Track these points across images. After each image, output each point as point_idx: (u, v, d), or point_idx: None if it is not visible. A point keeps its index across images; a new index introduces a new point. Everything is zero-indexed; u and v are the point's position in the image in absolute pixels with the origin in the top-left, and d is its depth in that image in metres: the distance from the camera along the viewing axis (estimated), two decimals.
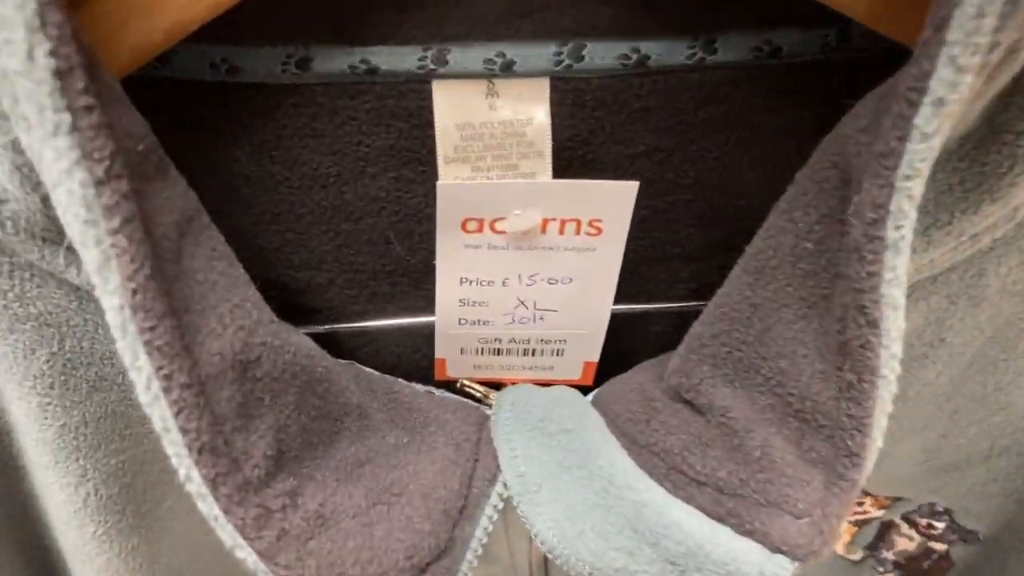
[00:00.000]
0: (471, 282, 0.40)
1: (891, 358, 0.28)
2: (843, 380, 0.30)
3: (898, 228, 0.26)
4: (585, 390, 0.42)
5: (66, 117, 0.23)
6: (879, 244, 0.26)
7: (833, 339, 0.30)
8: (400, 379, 0.41)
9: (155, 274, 0.27)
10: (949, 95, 0.24)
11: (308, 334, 0.37)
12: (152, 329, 0.27)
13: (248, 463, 0.30)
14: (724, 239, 0.41)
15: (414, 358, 0.45)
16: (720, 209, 0.40)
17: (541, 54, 0.34)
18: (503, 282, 0.40)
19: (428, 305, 0.42)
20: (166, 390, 0.28)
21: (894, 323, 0.27)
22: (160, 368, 0.27)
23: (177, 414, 0.28)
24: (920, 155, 0.25)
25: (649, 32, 0.34)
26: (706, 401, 0.35)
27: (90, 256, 0.26)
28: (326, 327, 0.42)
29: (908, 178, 0.25)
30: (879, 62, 0.30)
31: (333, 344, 0.43)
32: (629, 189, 0.36)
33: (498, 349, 0.42)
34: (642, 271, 0.42)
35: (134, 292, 0.26)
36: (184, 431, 0.28)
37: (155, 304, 0.27)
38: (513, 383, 0.44)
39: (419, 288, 0.42)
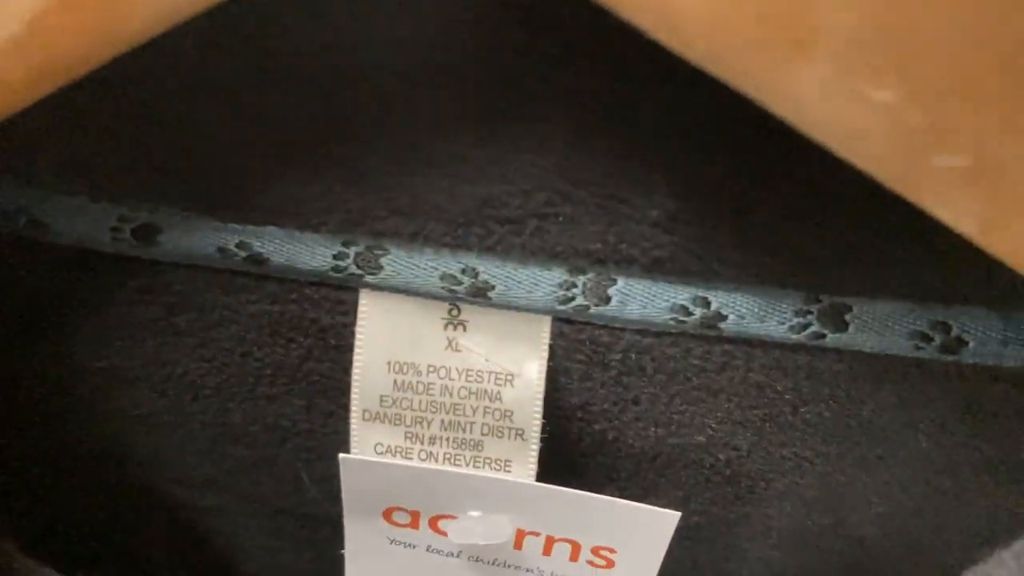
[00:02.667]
0: None
1: None
2: None
3: None
4: None
5: None
6: None
7: None
8: None
9: None
10: None
11: None
12: None
13: None
14: (811, 571, 0.25)
15: None
16: (817, 537, 0.23)
17: (537, 280, 0.18)
18: None
19: None
20: None
21: None
22: None
23: None
24: None
25: (729, 275, 0.18)
26: None
27: None
28: None
29: None
30: None
31: None
32: (666, 521, 0.20)
33: None
34: None
35: None
36: None
37: None
38: None
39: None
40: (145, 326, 0.23)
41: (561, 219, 0.19)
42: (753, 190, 0.18)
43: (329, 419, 0.25)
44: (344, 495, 0.22)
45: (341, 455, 0.21)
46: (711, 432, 0.22)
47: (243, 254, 0.20)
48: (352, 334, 0.21)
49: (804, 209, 0.18)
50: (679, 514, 0.21)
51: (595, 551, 0.23)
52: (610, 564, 0.23)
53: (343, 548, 0.26)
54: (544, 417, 0.21)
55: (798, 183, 0.18)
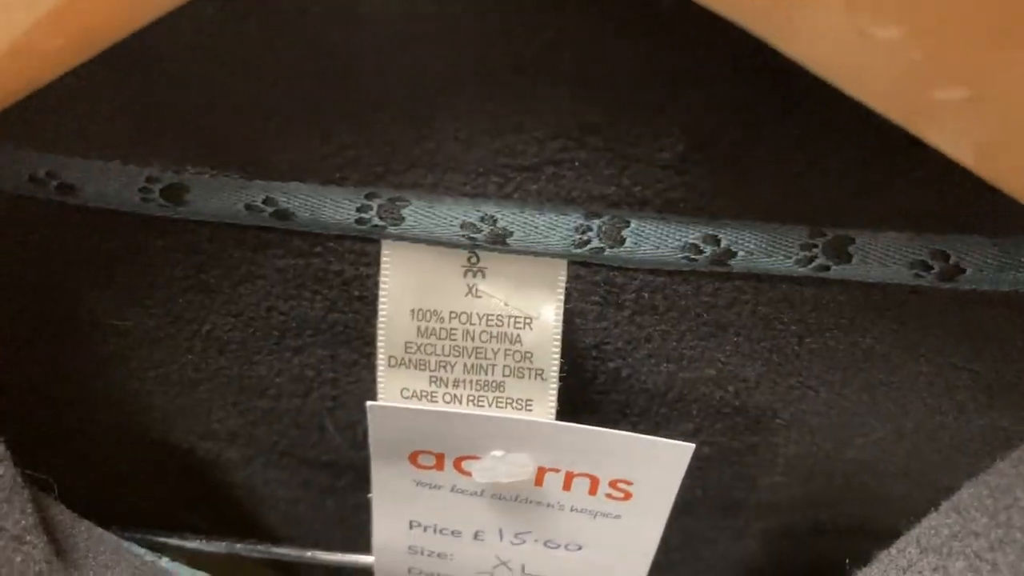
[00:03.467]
0: (426, 528, 0.25)
1: None
2: None
3: None
4: None
5: None
6: None
7: None
8: None
9: None
10: None
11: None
12: None
13: None
14: (817, 496, 0.26)
15: None
16: (822, 463, 0.25)
17: (554, 225, 0.19)
18: (475, 535, 0.25)
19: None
20: None
21: None
22: None
23: None
24: None
25: (737, 213, 0.19)
26: None
27: None
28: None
29: None
30: None
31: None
32: (680, 452, 0.21)
33: None
34: (688, 534, 0.27)
35: None
36: None
37: None
38: None
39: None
40: (173, 284, 0.24)
41: (576, 164, 0.19)
42: (759, 129, 0.19)
43: (353, 368, 0.26)
44: (371, 441, 0.23)
45: (368, 403, 0.22)
46: (720, 366, 0.23)
47: (269, 210, 0.21)
48: (375, 284, 0.22)
49: (808, 145, 0.19)
50: (693, 446, 0.22)
51: (612, 484, 0.24)
52: (627, 496, 0.24)
53: (366, 494, 0.27)
54: (562, 357, 0.22)
55: (802, 120, 0.19)
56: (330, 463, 0.30)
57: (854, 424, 0.25)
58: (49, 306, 0.25)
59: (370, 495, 0.25)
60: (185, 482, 0.32)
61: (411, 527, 0.26)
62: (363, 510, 0.28)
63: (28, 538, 0.19)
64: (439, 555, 0.27)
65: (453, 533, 0.26)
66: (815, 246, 0.20)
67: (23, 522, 0.19)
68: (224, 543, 0.29)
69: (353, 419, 0.28)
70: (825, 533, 0.28)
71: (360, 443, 0.28)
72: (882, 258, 0.20)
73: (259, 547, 0.29)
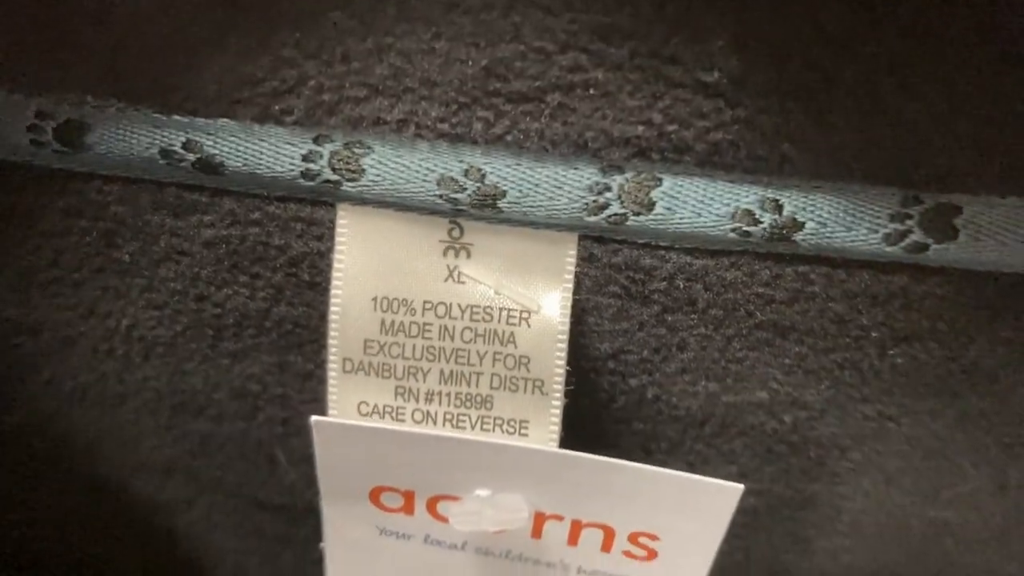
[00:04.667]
0: None
1: None
2: None
3: None
4: None
5: None
6: None
7: None
8: None
9: None
10: None
11: None
12: None
13: None
14: (887, 565, 0.21)
15: None
16: (898, 521, 0.19)
17: (560, 182, 0.14)
18: None
19: None
20: None
21: None
22: None
23: None
24: None
25: (808, 168, 0.14)
26: None
27: None
28: None
29: None
30: None
31: None
32: (725, 496, 0.15)
33: None
34: None
35: None
36: None
37: None
38: None
39: None
40: (81, 263, 0.19)
41: (592, 91, 0.14)
42: (840, 53, 0.14)
43: (307, 382, 0.21)
44: (320, 471, 0.18)
45: (314, 418, 0.17)
46: (776, 387, 0.18)
47: (192, 157, 0.16)
48: (329, 266, 0.17)
49: (902, 84, 0.14)
50: (742, 487, 0.16)
51: (632, 538, 0.18)
52: (651, 554, 0.18)
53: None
54: (568, 366, 0.17)
55: (895, 48, 0.14)
56: (284, 506, 0.24)
57: (944, 471, 0.19)
58: None
59: (322, 545, 0.20)
60: (118, 529, 0.27)
61: None
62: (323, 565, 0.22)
63: None
64: None
65: None
66: (909, 216, 0.14)
67: None
68: None
69: (310, 450, 0.22)
70: None
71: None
72: (998, 235, 0.15)
73: None
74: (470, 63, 0.15)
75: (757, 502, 0.21)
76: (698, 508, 0.17)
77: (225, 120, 0.16)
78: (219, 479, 0.25)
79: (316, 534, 0.25)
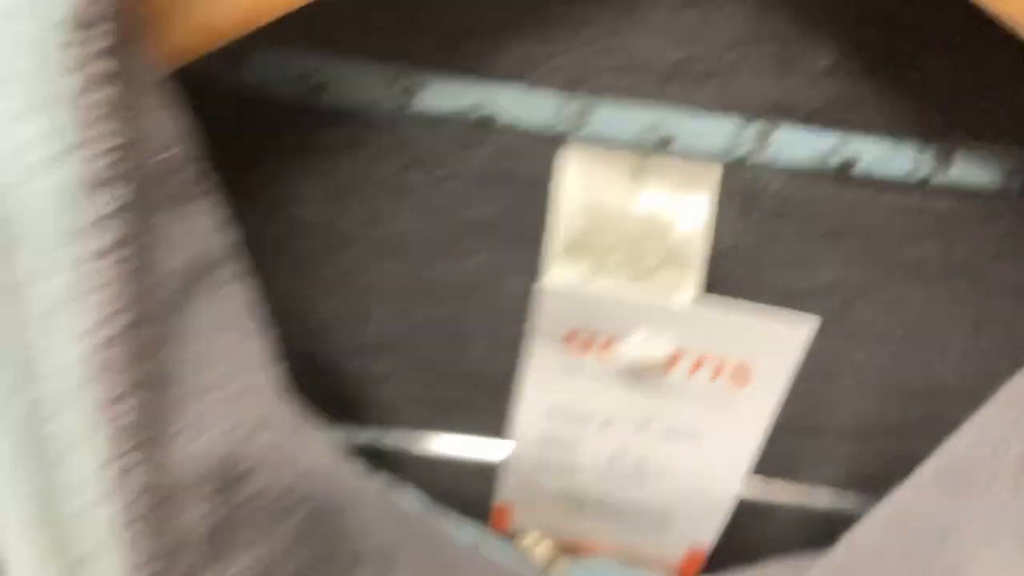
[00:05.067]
0: (562, 414, 0.29)
1: None
2: None
3: None
4: None
5: (70, 82, 0.17)
6: None
7: None
8: (446, 519, 0.31)
9: (141, 326, 0.19)
10: None
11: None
12: (119, 400, 0.19)
13: None
14: (899, 420, 0.31)
15: (471, 489, 0.35)
16: (906, 380, 0.29)
17: (715, 131, 0.25)
18: (604, 422, 0.29)
19: (502, 428, 0.33)
20: (118, 486, 0.18)
21: None
22: (119, 456, 0.19)
23: (128, 524, 0.19)
24: None
25: (863, 124, 0.24)
26: None
27: (54, 285, 0.18)
28: (369, 439, 0.32)
29: None
30: None
31: (373, 452, 0.33)
32: (803, 327, 0.26)
33: (581, 505, 0.32)
34: (785, 440, 0.32)
35: (109, 342, 0.19)
36: (133, 548, 0.19)
37: (132, 367, 0.19)
38: (592, 551, 0.33)
39: (495, 405, 0.33)
40: (381, 184, 0.29)
41: (744, 73, 0.25)
42: (899, 48, 0.25)
43: (508, 275, 0.30)
44: (535, 321, 0.28)
45: (535, 284, 0.27)
46: (833, 274, 0.29)
47: (475, 115, 0.26)
48: (548, 183, 0.27)
49: (932, 64, 0.25)
50: (817, 319, 0.26)
51: (737, 368, 0.28)
52: (746, 380, 0.29)
53: (492, 414, 0.30)
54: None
55: (932, 43, 0.25)
56: (464, 376, 0.33)
57: (936, 339, 0.29)
58: (262, 201, 0.30)
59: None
60: (322, 402, 0.36)
61: (550, 414, 0.31)
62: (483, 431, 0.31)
63: None
64: (568, 445, 0.31)
65: (585, 420, 0.30)
66: (925, 154, 0.25)
67: None
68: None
69: (497, 326, 0.32)
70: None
71: (497, 353, 0.33)
72: (980, 168, 0.25)
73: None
74: (673, 54, 0.26)
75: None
76: (780, 340, 0.28)
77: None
78: (419, 355, 0.33)
79: (483, 402, 0.35)
